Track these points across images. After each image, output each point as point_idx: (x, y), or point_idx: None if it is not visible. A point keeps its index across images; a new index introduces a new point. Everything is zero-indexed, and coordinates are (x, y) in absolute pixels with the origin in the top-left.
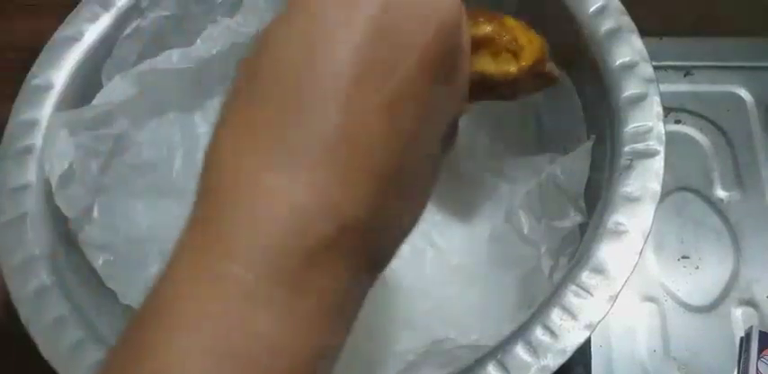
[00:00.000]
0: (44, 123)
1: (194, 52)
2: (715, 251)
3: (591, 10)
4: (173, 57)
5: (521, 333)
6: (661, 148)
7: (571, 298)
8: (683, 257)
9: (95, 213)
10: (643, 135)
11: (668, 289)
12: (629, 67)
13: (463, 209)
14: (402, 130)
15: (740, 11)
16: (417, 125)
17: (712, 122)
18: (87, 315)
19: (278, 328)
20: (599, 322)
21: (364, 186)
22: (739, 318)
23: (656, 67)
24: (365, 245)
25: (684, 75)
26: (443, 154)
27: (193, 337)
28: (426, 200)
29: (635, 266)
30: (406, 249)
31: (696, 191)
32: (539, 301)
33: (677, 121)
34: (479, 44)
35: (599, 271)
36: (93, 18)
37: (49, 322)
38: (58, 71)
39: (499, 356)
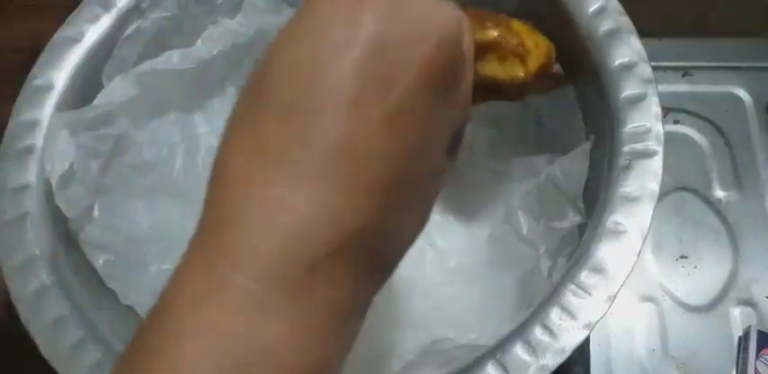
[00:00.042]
0: (45, 123)
1: (195, 53)
2: (713, 251)
3: (590, 11)
4: (173, 58)
5: (520, 332)
6: (660, 149)
7: (570, 297)
8: (682, 257)
9: (96, 213)
10: (642, 135)
11: (667, 289)
12: (628, 68)
13: (463, 209)
14: (403, 143)
15: (739, 11)
16: (419, 137)
17: (711, 123)
18: (87, 314)
19: (281, 337)
20: (598, 321)
21: (366, 197)
22: (737, 318)
23: (654, 68)
24: (368, 255)
25: (683, 76)
26: (450, 162)
27: (197, 345)
28: (430, 209)
29: (634, 266)
30: None
31: (695, 192)
32: (538, 301)
33: (676, 122)
34: (486, 49)
35: (598, 270)
36: (94, 19)
37: (50, 322)
38: (59, 72)
39: (498, 355)
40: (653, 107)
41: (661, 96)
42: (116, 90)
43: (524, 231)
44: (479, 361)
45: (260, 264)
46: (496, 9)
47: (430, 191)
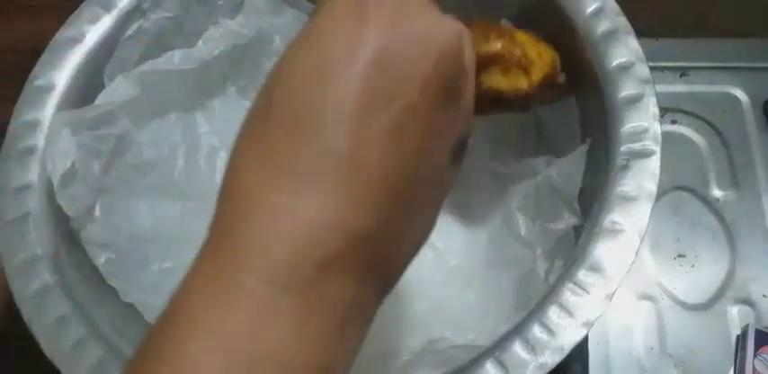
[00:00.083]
0: (46, 123)
1: (196, 53)
2: (711, 250)
3: (587, 11)
4: (174, 58)
5: (518, 330)
6: (657, 148)
7: (568, 296)
8: (680, 256)
9: (97, 212)
10: (639, 135)
11: (665, 288)
12: (626, 68)
13: (462, 210)
14: (405, 153)
15: (738, 11)
16: (421, 148)
17: (708, 123)
18: (89, 312)
19: (288, 340)
20: (596, 320)
21: (371, 204)
22: (735, 316)
23: (652, 68)
24: (375, 259)
25: (680, 76)
26: (454, 168)
27: (205, 347)
28: (436, 216)
29: (631, 265)
30: None
31: (692, 191)
32: (534, 303)
33: (673, 122)
34: (490, 61)
35: (596, 269)
36: (95, 19)
37: (52, 321)
38: (60, 72)
39: (497, 354)
40: (650, 107)
41: (658, 96)
42: (117, 90)
43: (522, 232)
44: (478, 360)
45: (270, 268)
46: (498, 13)
47: (435, 198)
